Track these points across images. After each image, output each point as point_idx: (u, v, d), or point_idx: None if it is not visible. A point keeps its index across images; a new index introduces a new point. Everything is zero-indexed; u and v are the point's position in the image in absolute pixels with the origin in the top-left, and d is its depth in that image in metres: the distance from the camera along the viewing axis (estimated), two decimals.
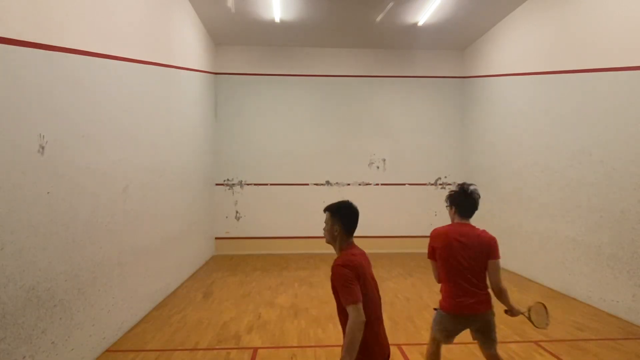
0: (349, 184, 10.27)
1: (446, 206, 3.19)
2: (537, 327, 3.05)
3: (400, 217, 10.16)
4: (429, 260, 3.14)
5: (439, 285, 3.17)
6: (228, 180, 10.19)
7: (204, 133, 9.03)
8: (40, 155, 3.28)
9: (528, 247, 7.48)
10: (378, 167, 10.38)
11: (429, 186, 10.44)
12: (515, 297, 6.26)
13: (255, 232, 10.12)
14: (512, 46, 8.30)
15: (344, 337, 2.15)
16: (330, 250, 2.53)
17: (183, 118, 7.44)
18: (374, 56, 10.47)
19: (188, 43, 7.77)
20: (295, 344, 4.54)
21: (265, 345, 4.49)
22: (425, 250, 3.19)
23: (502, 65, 8.65)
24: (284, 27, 9.00)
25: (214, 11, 8.20)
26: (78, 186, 3.84)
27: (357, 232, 3.26)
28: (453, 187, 3.21)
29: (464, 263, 2.92)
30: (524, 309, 3.04)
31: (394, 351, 4.29)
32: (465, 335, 4.78)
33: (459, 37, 9.70)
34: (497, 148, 8.80)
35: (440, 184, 10.46)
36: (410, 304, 5.93)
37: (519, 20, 8.03)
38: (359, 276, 2.22)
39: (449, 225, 3.11)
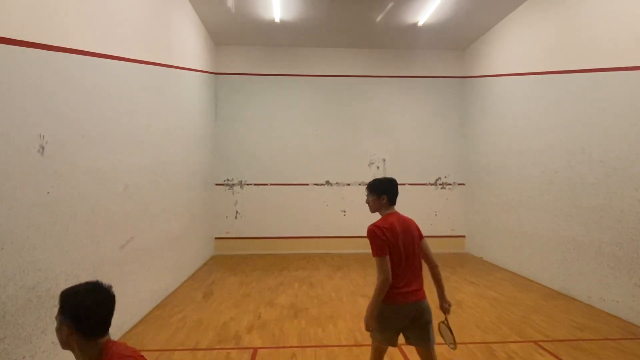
0: (349, 184, 10.26)
1: (373, 197, 3.10)
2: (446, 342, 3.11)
3: None
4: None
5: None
6: (228, 180, 10.19)
7: (204, 133, 9.03)
8: (40, 155, 3.28)
9: (528, 247, 7.48)
10: (378, 167, 10.37)
11: (429, 186, 10.43)
12: (516, 297, 6.29)
13: (255, 232, 10.11)
14: (512, 46, 8.30)
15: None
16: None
17: (183, 118, 7.44)
18: (374, 56, 10.46)
19: (188, 43, 7.77)
20: (295, 344, 4.54)
21: (265, 345, 4.49)
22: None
23: (502, 65, 8.65)
24: (284, 27, 9.00)
25: (214, 11, 8.20)
26: (78, 186, 3.84)
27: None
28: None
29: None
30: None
31: (393, 351, 4.30)
32: (466, 335, 4.79)
33: (459, 37, 9.70)
34: (497, 148, 8.80)
35: (440, 184, 10.46)
36: None
37: (519, 20, 8.03)
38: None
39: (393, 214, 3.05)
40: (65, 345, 1.66)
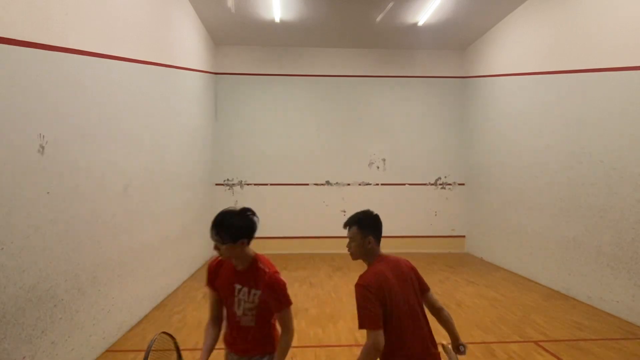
0: (349, 184, 10.26)
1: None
2: None
3: (400, 217, 10.15)
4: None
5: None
6: (228, 180, 10.19)
7: (204, 133, 9.03)
8: (40, 155, 3.28)
9: (528, 247, 7.48)
10: (378, 167, 10.38)
11: (429, 186, 10.43)
12: (516, 297, 6.29)
13: (255, 232, 10.10)
14: (512, 46, 8.30)
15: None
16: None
17: (183, 118, 7.44)
18: (374, 56, 10.47)
19: (188, 43, 7.77)
20: (295, 344, 4.51)
21: None
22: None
23: (502, 65, 8.65)
24: (284, 27, 9.00)
25: (214, 11, 8.20)
26: (78, 186, 3.84)
27: None
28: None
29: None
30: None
31: None
32: (466, 335, 4.78)
33: (459, 37, 9.70)
34: (497, 148, 8.80)
35: (440, 184, 10.46)
36: None
37: (519, 20, 8.03)
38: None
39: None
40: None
